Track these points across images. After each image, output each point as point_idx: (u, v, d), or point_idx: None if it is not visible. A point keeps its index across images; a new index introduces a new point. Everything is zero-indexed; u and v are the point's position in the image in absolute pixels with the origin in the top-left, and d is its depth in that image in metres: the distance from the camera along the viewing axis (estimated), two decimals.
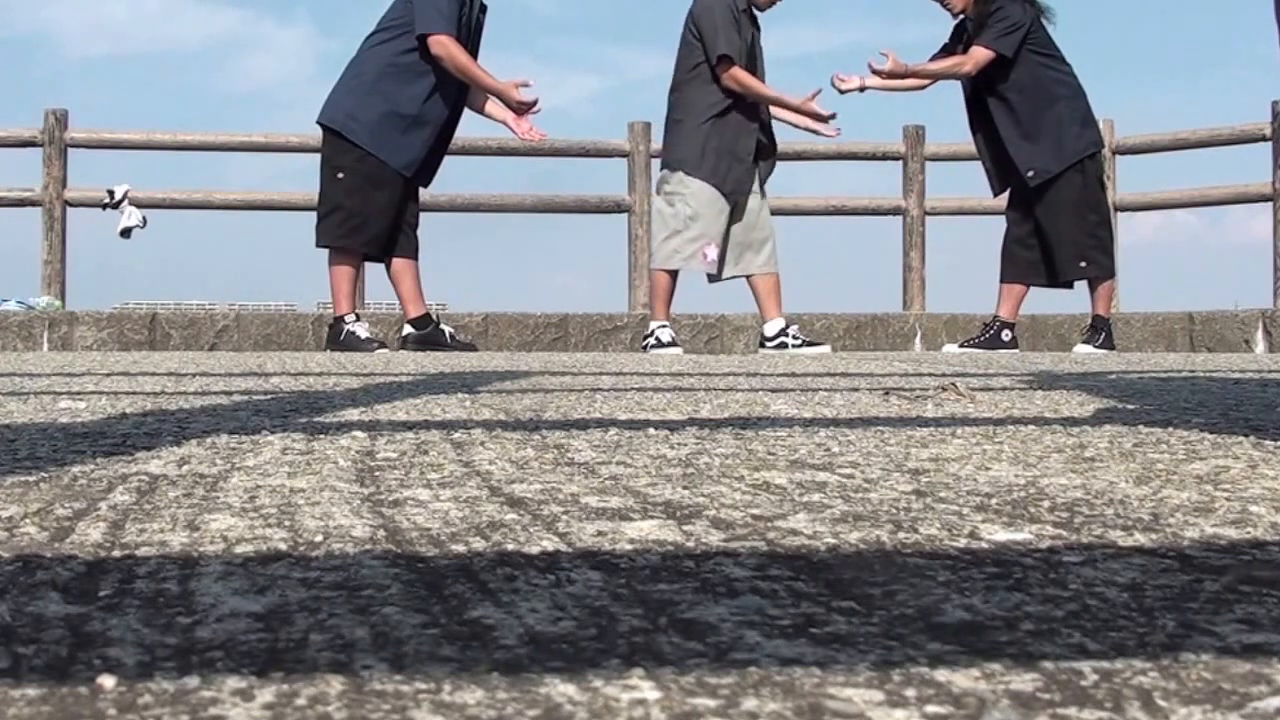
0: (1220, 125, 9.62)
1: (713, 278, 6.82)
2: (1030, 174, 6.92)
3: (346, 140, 6.56)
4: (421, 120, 6.59)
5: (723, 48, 6.60)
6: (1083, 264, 7.01)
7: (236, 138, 9.72)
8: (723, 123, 6.68)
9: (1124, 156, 10.07)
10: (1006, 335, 7.19)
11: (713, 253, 6.70)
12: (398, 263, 6.70)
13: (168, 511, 1.09)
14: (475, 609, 0.73)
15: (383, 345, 6.76)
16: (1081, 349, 7.07)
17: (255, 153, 10.07)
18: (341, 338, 6.68)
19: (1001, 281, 7.22)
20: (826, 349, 6.98)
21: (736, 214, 6.76)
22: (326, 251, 6.70)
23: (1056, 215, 6.97)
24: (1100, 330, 7.12)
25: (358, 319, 6.76)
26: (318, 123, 6.76)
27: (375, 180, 6.56)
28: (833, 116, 6.92)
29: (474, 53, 6.68)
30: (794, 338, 6.89)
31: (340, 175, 6.58)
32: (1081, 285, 7.16)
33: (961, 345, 7.29)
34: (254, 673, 0.60)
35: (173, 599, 0.75)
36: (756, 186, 6.82)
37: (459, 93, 6.68)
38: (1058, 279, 7.11)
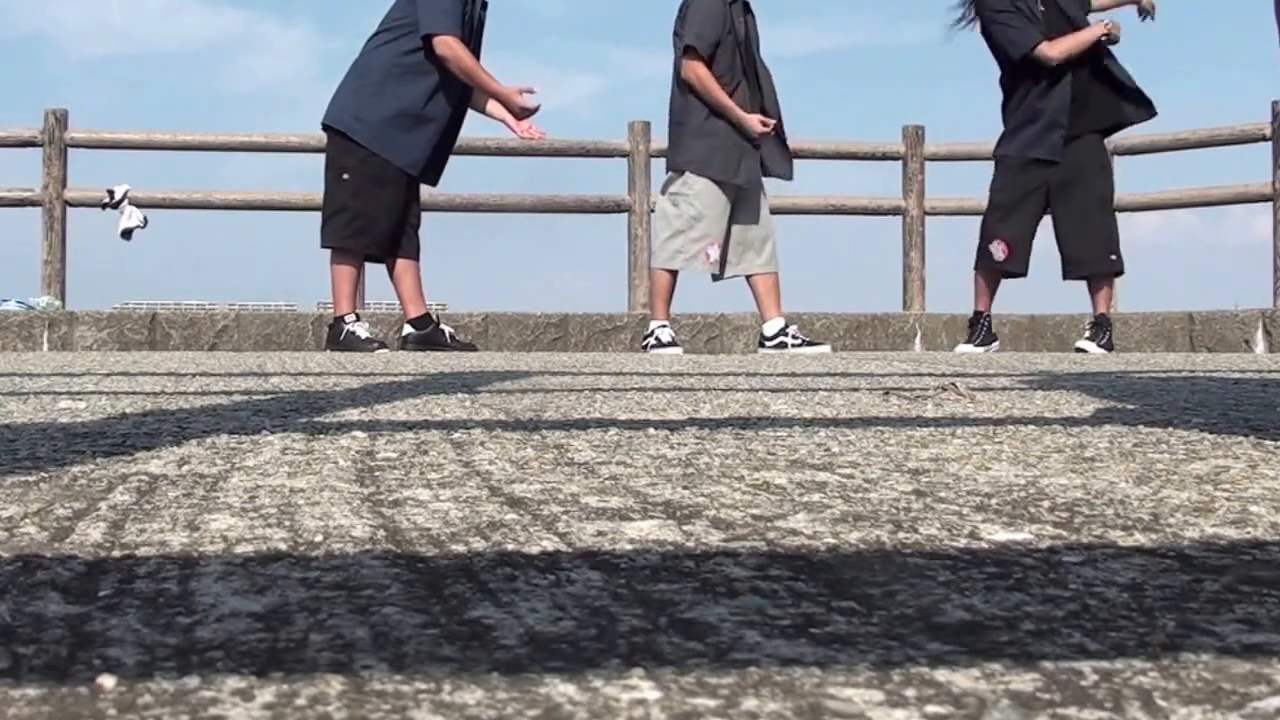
0: (1220, 125, 9.62)
1: (716, 277, 6.83)
2: (1130, 120, 7.03)
3: (351, 141, 6.57)
4: (426, 119, 6.59)
5: (690, 39, 6.61)
6: (1113, 257, 7.00)
7: (236, 138, 9.72)
8: (729, 126, 6.67)
9: (1124, 156, 10.06)
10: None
11: (715, 253, 6.71)
12: (399, 263, 6.71)
13: (168, 511, 1.09)
14: (475, 609, 0.73)
15: (383, 345, 6.76)
16: (1093, 349, 7.02)
17: (255, 153, 10.07)
18: (342, 338, 6.69)
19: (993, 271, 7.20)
20: (826, 349, 6.97)
21: (737, 212, 6.76)
22: (328, 251, 6.71)
23: (1097, 200, 6.97)
24: (1105, 329, 7.11)
25: (358, 319, 6.76)
26: (323, 124, 6.76)
27: (380, 180, 6.57)
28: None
29: (476, 50, 6.69)
30: (793, 337, 6.89)
31: (346, 176, 6.59)
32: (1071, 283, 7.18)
33: (968, 344, 7.29)
34: (254, 673, 0.60)
35: (173, 599, 0.75)
36: (756, 184, 6.81)
37: (463, 91, 6.68)
38: (1081, 269, 7.04)
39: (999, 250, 7.07)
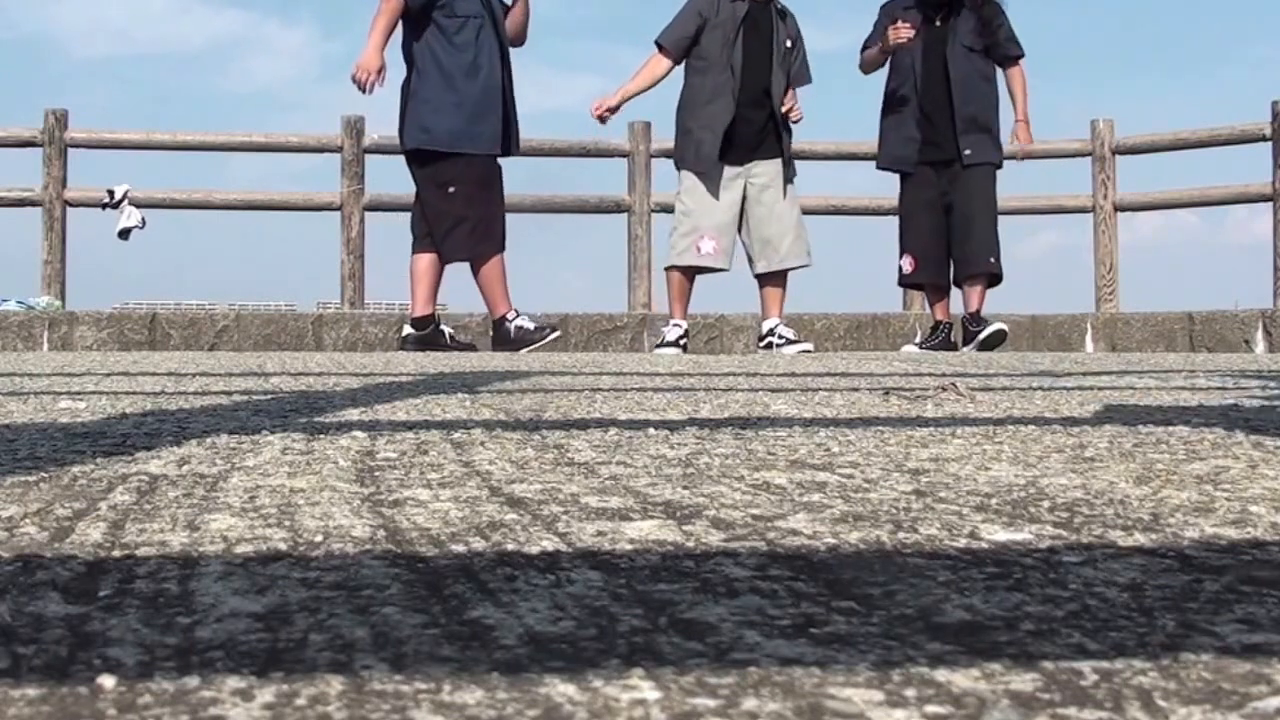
0: (1220, 125, 9.62)
1: (760, 279, 6.84)
2: (968, 152, 7.02)
3: (440, 154, 6.48)
4: (480, 95, 6.54)
5: (659, 35, 6.83)
6: (992, 259, 7.12)
7: (236, 138, 9.72)
8: (704, 112, 6.72)
9: (1124, 156, 10.06)
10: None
11: (707, 245, 6.69)
12: (425, 258, 6.64)
13: (168, 511, 1.09)
14: (475, 609, 0.73)
15: (554, 329, 6.68)
16: (913, 350, 7.15)
17: (255, 153, 10.07)
18: (513, 336, 6.59)
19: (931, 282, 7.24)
20: (809, 345, 6.94)
21: (750, 209, 6.75)
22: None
23: (982, 206, 7.06)
24: (943, 331, 7.24)
25: (518, 314, 6.66)
26: (404, 151, 6.65)
27: (485, 181, 6.54)
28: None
29: (497, 31, 6.61)
30: (779, 337, 6.89)
31: (452, 190, 6.49)
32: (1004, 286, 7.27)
33: (915, 344, 7.37)
34: (254, 673, 0.60)
35: (173, 599, 0.75)
36: (767, 180, 6.79)
37: (500, 49, 6.63)
38: (965, 271, 7.13)
39: (906, 264, 7.24)
